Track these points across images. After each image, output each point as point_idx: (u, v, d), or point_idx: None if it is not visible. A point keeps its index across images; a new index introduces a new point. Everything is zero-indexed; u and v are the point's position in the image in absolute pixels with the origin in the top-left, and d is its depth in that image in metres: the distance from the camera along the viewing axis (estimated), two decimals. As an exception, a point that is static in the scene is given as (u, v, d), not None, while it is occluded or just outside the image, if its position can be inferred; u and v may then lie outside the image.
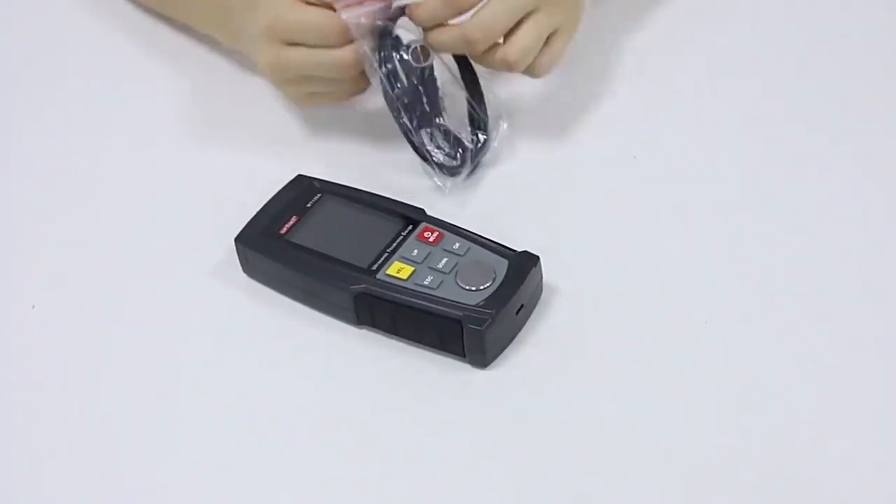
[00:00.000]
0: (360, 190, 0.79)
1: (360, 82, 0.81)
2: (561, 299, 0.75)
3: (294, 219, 0.76)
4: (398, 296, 0.71)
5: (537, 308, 0.74)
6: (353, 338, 0.74)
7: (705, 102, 0.88)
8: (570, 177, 0.83)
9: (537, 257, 0.73)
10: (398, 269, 0.72)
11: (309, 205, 0.77)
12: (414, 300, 0.71)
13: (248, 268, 0.77)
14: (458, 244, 0.74)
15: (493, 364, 0.71)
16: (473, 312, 0.70)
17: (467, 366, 0.71)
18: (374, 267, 0.73)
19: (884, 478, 0.65)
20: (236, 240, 0.77)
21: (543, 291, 0.74)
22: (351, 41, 0.78)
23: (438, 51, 0.80)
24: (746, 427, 0.67)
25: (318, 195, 0.78)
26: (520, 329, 0.73)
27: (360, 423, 0.70)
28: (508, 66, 0.79)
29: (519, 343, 0.72)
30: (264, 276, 0.77)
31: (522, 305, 0.72)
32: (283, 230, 0.76)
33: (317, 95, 0.83)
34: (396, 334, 0.73)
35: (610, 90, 0.89)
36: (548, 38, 0.80)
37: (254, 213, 0.78)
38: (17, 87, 0.97)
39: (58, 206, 0.85)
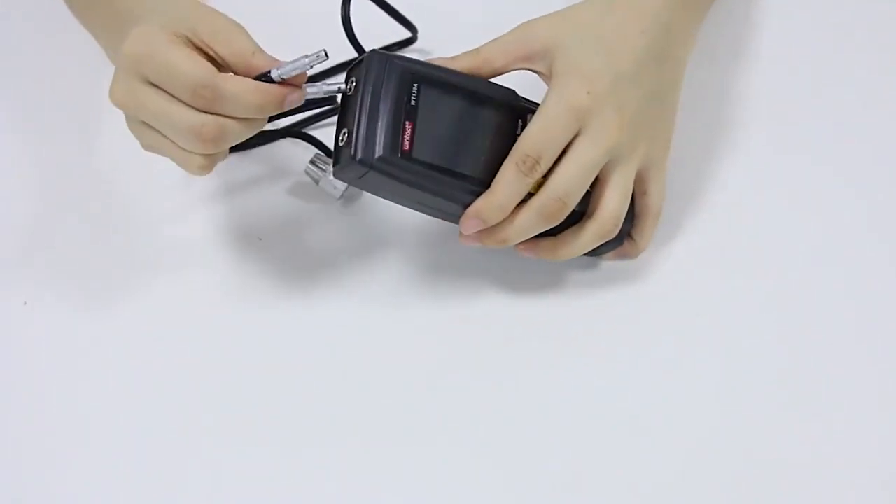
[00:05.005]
0: (450, 71, 0.70)
1: (208, 162, 0.68)
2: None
3: (409, 126, 0.67)
4: None
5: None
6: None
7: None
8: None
9: None
10: None
11: (413, 102, 0.68)
12: None
13: (357, 182, 0.68)
14: None
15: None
16: None
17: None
18: None
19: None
20: (367, 163, 0.66)
21: None
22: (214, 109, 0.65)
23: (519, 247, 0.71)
24: (745, 409, 0.70)
25: (416, 84, 0.68)
26: None
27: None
28: (602, 236, 0.70)
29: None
30: (379, 190, 0.70)
31: None
32: (406, 145, 0.67)
33: (156, 149, 0.70)
34: None
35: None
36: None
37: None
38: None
39: (49, 200, 0.83)
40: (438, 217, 0.71)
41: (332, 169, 0.69)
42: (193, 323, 0.75)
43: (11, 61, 0.88)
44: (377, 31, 0.80)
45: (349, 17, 0.75)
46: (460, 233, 0.70)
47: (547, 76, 0.69)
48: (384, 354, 0.73)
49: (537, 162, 0.67)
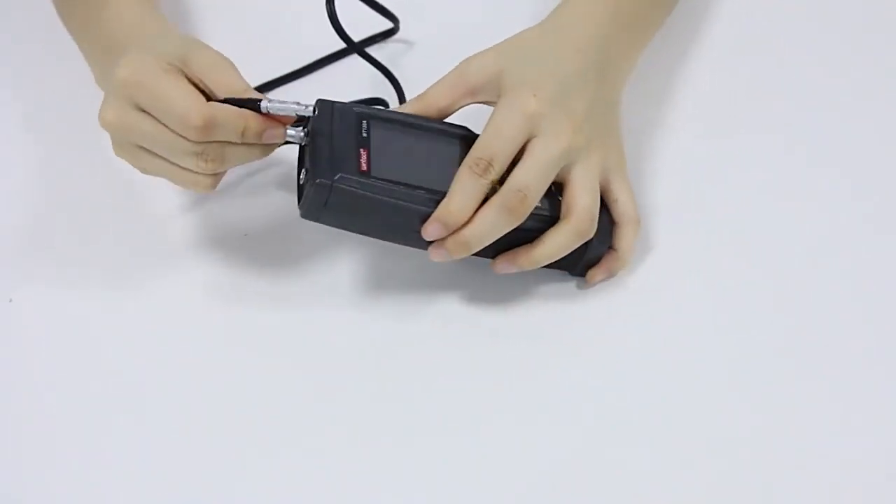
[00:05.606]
0: (395, 111, 0.74)
1: (207, 180, 0.70)
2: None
3: (364, 152, 0.69)
4: None
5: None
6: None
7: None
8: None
9: None
10: None
11: (365, 134, 0.71)
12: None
13: (323, 213, 0.70)
14: None
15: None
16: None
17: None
18: None
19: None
20: (327, 186, 0.68)
21: None
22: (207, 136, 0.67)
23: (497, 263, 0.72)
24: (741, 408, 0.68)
25: (365, 121, 0.71)
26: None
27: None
28: (579, 234, 0.70)
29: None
30: (346, 218, 0.71)
31: None
32: (364, 166, 0.69)
33: (155, 173, 0.73)
34: (492, 257, 0.72)
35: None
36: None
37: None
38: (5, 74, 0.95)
39: (49, 200, 0.83)
40: (409, 243, 0.71)
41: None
42: (191, 322, 0.75)
43: (12, 62, 0.89)
44: (360, 23, 0.81)
45: (335, 13, 0.76)
46: (430, 249, 0.70)
47: (496, 102, 0.70)
48: (383, 354, 0.72)
49: (490, 164, 0.67)
